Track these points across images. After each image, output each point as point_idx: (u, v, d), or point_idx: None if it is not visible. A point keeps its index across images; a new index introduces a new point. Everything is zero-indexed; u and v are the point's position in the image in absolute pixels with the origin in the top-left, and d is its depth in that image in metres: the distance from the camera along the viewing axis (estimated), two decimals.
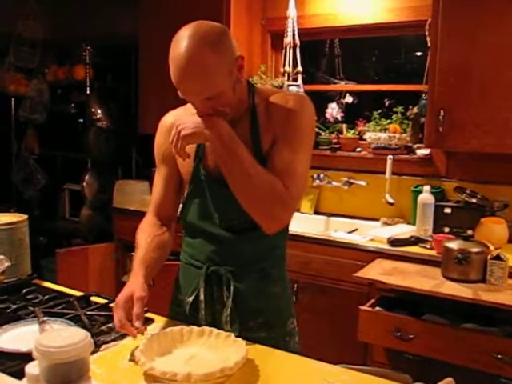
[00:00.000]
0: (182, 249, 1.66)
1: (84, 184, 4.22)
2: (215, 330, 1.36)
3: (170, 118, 1.62)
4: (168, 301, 1.69)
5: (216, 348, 1.33)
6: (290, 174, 1.41)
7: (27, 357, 1.16)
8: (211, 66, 1.29)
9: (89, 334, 1.11)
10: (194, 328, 1.38)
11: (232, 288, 1.52)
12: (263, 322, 1.54)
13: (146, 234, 1.55)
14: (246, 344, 1.30)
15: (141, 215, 1.66)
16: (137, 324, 1.30)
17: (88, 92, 4.23)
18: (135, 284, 1.38)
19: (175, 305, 1.65)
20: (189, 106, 1.60)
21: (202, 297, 1.54)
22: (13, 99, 4.67)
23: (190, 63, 1.28)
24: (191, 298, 1.57)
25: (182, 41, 1.30)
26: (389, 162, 3.08)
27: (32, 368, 1.12)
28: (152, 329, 1.42)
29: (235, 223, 1.51)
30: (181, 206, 1.64)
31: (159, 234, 1.57)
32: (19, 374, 1.18)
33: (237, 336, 1.34)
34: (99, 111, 4.15)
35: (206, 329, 1.37)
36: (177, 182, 1.61)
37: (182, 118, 1.43)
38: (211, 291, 1.55)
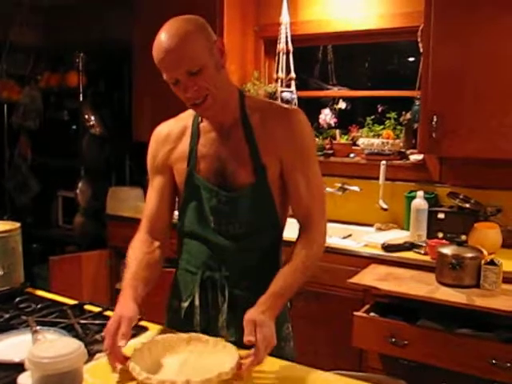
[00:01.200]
0: (178, 255, 1.65)
1: (77, 191, 4.19)
2: (204, 337, 1.37)
3: (164, 128, 1.62)
4: (163, 308, 1.68)
5: (206, 354, 1.33)
6: (310, 197, 1.52)
7: (20, 367, 1.15)
8: (190, 35, 1.37)
9: (82, 344, 1.11)
10: (182, 335, 1.38)
11: (227, 293, 1.52)
12: None
13: (137, 252, 1.54)
14: (243, 349, 1.30)
15: (134, 222, 1.66)
16: (121, 343, 1.27)
17: (81, 99, 4.21)
18: (124, 307, 1.37)
19: (171, 311, 1.65)
20: (181, 116, 1.61)
21: (197, 302, 1.55)
22: (5, 106, 4.65)
23: (171, 35, 1.37)
24: (186, 304, 1.57)
25: (163, 28, 1.41)
26: (382, 167, 3.08)
27: (24, 379, 1.12)
28: (147, 337, 1.40)
29: (230, 227, 1.52)
30: (177, 213, 1.64)
31: (150, 252, 1.55)
32: None
33: (234, 341, 1.34)
34: (92, 118, 4.14)
35: (193, 335, 1.38)
36: (171, 192, 1.61)
37: (263, 338, 1.28)
38: (206, 297, 1.56)
